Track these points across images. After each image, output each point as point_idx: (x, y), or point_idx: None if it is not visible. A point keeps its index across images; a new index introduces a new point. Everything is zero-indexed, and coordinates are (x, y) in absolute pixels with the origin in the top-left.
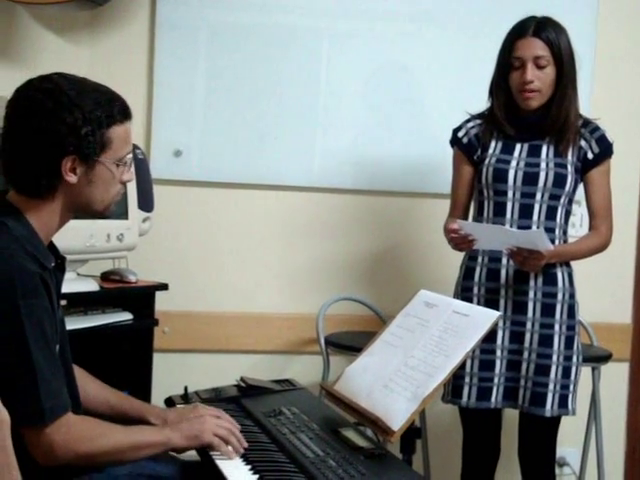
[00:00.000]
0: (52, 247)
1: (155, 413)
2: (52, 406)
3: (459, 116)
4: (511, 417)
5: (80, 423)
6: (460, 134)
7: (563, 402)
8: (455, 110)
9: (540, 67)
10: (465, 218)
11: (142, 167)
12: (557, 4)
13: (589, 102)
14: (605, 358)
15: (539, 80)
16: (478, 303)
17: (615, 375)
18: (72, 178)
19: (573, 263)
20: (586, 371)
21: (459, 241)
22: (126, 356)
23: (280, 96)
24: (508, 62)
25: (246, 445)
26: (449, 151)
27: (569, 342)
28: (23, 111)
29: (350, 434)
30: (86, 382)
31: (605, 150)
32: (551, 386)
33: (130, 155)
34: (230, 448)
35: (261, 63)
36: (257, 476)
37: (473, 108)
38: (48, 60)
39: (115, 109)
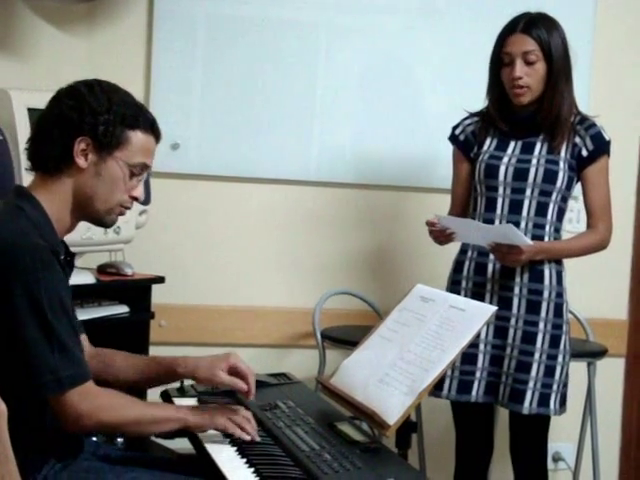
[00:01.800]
0: (63, 244)
1: (183, 362)
2: (71, 375)
3: (456, 111)
4: (506, 413)
5: (104, 393)
6: (457, 131)
7: (544, 401)
8: (452, 105)
9: (529, 63)
10: (464, 214)
11: None
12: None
13: (587, 97)
14: (601, 354)
15: (528, 76)
16: (465, 296)
17: (611, 371)
18: (81, 161)
19: (568, 261)
20: (582, 367)
21: (437, 234)
22: (122, 349)
23: (278, 89)
24: (499, 58)
25: (258, 438)
26: (446, 146)
27: (554, 341)
28: (60, 95)
29: (346, 428)
30: (113, 356)
31: (600, 147)
32: (531, 384)
33: (145, 172)
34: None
35: (259, 56)
36: (253, 469)
37: (470, 103)
38: (46, 52)
39: (142, 116)
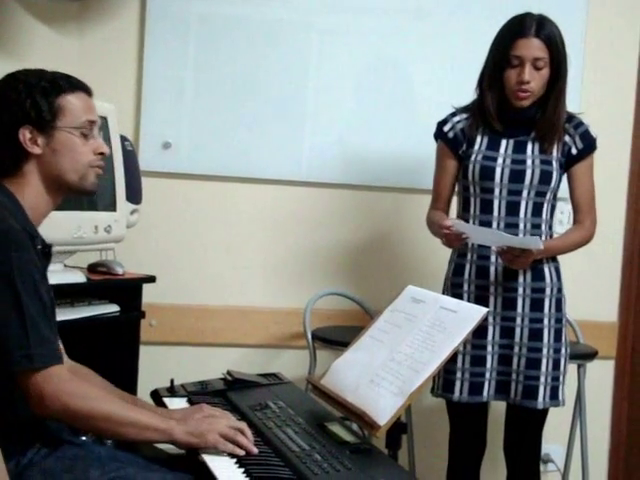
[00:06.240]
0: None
1: (159, 413)
2: (41, 353)
3: (448, 111)
4: (496, 411)
5: (76, 381)
6: (446, 128)
7: (554, 394)
8: (444, 105)
9: (537, 68)
10: (447, 211)
11: (130, 159)
12: None
13: (579, 96)
14: (591, 356)
15: (534, 81)
16: (468, 299)
17: (600, 373)
18: (35, 149)
19: (560, 258)
20: (572, 368)
21: (452, 237)
22: (112, 348)
23: (269, 89)
24: (505, 58)
25: (255, 451)
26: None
27: (558, 335)
28: None
29: (336, 428)
30: (92, 378)
31: (589, 145)
32: (542, 379)
33: (95, 127)
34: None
35: (251, 56)
36: (243, 469)
37: (461, 103)
38: (37, 51)
39: (60, 81)
